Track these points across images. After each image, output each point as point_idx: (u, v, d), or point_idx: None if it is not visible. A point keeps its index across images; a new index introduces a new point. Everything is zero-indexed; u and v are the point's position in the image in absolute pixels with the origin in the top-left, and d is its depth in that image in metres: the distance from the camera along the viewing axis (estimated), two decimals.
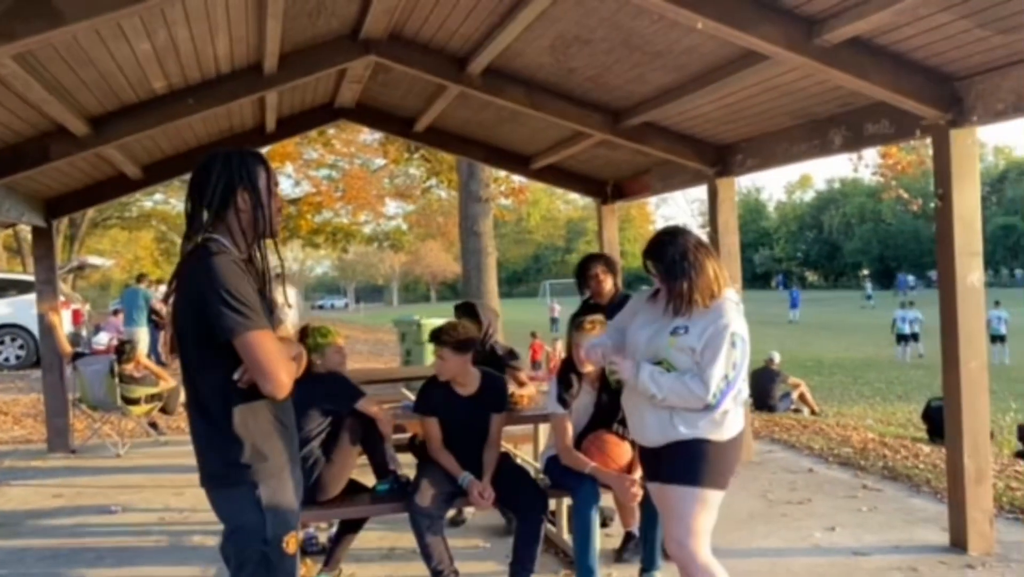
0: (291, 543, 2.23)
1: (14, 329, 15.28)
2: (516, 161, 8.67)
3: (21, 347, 15.36)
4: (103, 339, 10.80)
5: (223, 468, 2.24)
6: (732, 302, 3.22)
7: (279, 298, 2.44)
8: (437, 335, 4.17)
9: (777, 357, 12.11)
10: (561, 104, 6.34)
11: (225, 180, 2.28)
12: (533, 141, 7.96)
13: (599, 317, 4.24)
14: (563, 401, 4.18)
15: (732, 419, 3.19)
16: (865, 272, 66.82)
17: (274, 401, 2.24)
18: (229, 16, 4.74)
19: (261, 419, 2.24)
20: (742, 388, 3.19)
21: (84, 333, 15.09)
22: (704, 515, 3.17)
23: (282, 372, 2.16)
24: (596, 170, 8.41)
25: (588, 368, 4.10)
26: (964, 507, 4.58)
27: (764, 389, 11.24)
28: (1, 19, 3.32)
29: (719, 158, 6.68)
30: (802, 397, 11.69)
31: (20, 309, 14.78)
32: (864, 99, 4.93)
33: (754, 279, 70.02)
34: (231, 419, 2.20)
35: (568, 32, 5.17)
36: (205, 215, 2.29)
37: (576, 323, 4.28)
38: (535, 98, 6.27)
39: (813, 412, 11.45)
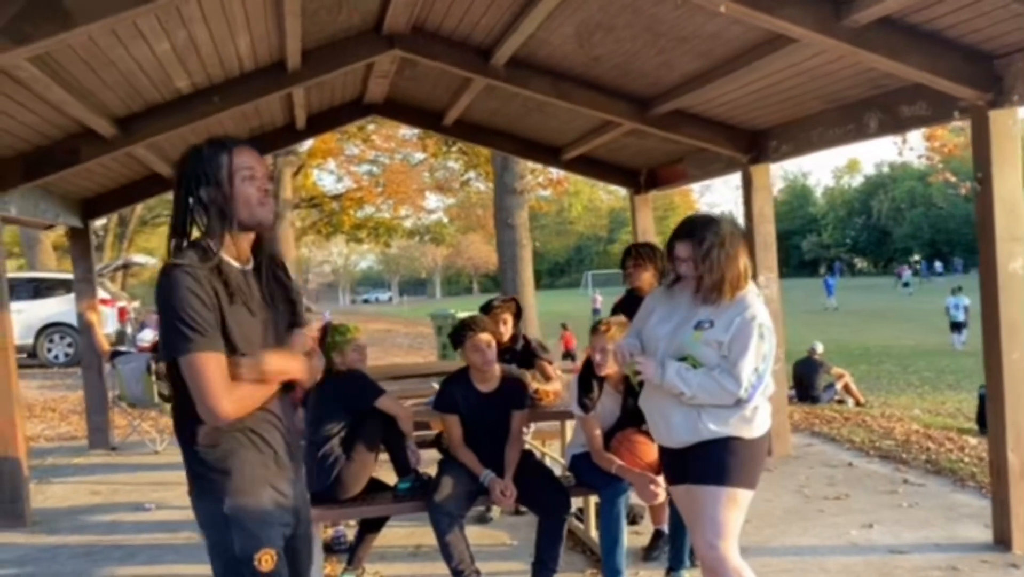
0: (264, 560, 2.14)
1: (63, 327, 15.58)
2: (547, 152, 8.60)
3: (70, 345, 15.66)
4: (148, 336, 11.02)
5: (192, 478, 2.19)
6: (754, 293, 3.12)
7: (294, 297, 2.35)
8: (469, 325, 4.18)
9: (820, 347, 11.80)
10: (588, 93, 6.24)
11: (183, 179, 2.18)
12: (562, 132, 7.86)
13: (617, 319, 4.17)
14: (583, 405, 4.08)
15: (762, 415, 3.11)
16: (916, 258, 65.20)
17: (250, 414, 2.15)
18: (247, 14, 4.72)
19: (229, 433, 2.14)
20: (769, 382, 3.10)
21: (129, 330, 15.38)
22: (735, 516, 3.08)
23: (222, 400, 2.04)
24: (628, 159, 8.28)
25: (608, 371, 4.02)
26: (1008, 503, 4.39)
27: (807, 380, 10.95)
28: (12, 22, 3.33)
29: (752, 144, 6.52)
30: (846, 387, 11.37)
31: (68, 307, 15.04)
32: (898, 81, 4.75)
33: (801, 266, 68.75)
34: (196, 432, 2.14)
35: (591, 19, 5.07)
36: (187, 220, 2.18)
37: (592, 326, 4.20)
38: (561, 88, 6.19)
39: (858, 403, 11.12)
